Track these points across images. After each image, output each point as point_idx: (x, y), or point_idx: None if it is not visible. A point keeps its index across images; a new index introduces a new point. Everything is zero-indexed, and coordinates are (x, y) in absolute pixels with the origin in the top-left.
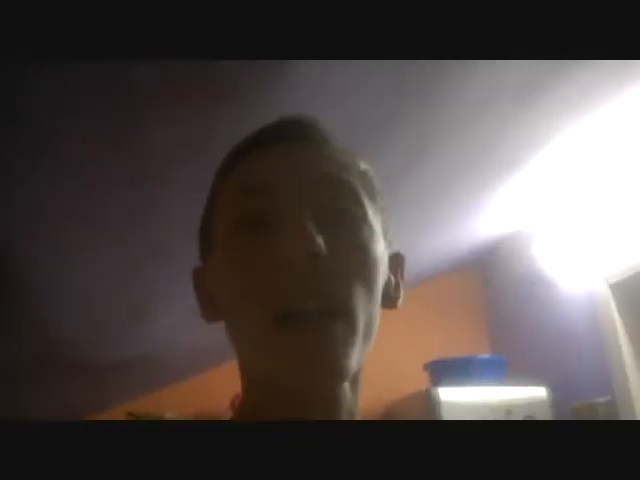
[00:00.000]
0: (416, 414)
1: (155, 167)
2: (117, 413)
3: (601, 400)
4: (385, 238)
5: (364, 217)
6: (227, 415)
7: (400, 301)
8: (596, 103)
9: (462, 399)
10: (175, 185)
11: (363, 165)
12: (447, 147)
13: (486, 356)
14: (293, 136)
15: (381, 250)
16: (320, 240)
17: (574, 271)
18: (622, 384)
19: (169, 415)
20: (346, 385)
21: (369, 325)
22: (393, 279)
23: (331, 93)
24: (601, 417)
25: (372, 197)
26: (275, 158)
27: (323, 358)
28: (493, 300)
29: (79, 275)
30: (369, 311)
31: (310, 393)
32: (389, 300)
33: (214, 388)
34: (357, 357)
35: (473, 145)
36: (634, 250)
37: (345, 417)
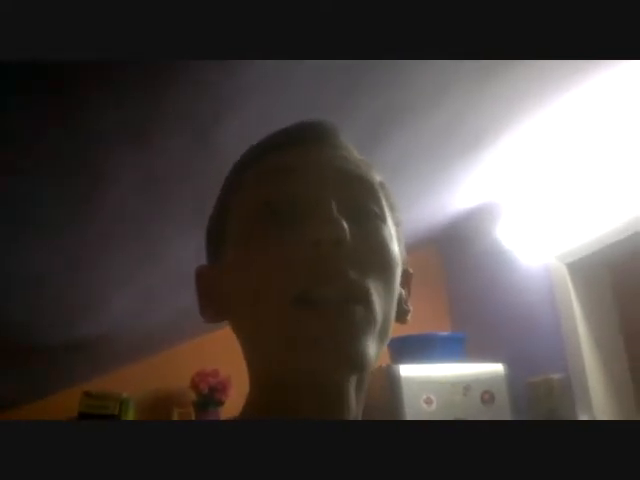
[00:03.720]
0: (377, 390)
1: (103, 152)
2: (75, 394)
3: (556, 376)
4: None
5: (385, 220)
6: (187, 394)
7: (409, 316)
8: (564, 85)
9: (422, 375)
10: (123, 169)
11: (379, 177)
12: (409, 123)
13: (446, 333)
14: (316, 138)
15: (398, 255)
16: (346, 226)
17: (533, 249)
18: (577, 361)
19: (126, 395)
20: (352, 386)
21: (386, 322)
22: (404, 293)
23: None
24: (556, 393)
25: (391, 208)
26: (302, 153)
27: (341, 342)
28: (454, 277)
29: (32, 257)
30: (386, 309)
31: (323, 379)
32: (401, 314)
33: (173, 367)
34: (373, 350)
35: (435, 122)
36: (591, 230)
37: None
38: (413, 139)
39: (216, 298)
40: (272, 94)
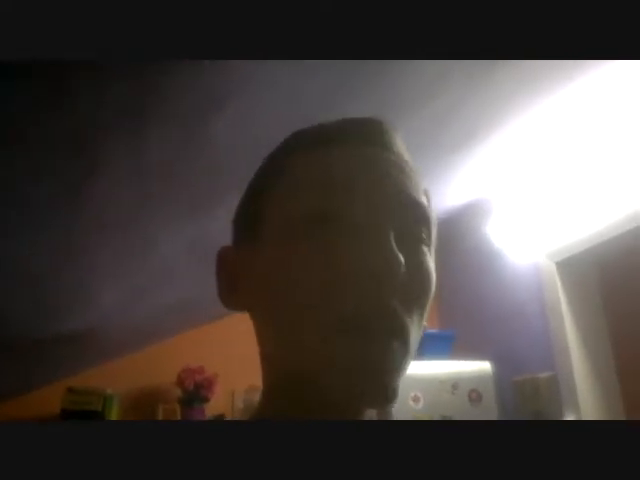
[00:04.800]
0: None
1: (92, 144)
2: (59, 389)
3: (543, 375)
4: None
5: (430, 247)
6: (172, 391)
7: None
8: (555, 84)
9: (411, 372)
10: (116, 161)
11: (422, 182)
12: (400, 122)
13: (435, 331)
14: (371, 140)
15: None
16: (402, 260)
17: (523, 247)
18: (564, 360)
19: (110, 391)
20: (374, 412)
21: (414, 353)
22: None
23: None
24: (543, 392)
25: (434, 224)
26: (357, 161)
27: (378, 375)
28: (445, 273)
29: (16, 249)
30: (417, 341)
31: (350, 405)
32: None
33: (159, 363)
34: (397, 385)
35: (427, 120)
36: (580, 228)
37: None
38: (404, 137)
39: (245, 286)
40: (260, 92)
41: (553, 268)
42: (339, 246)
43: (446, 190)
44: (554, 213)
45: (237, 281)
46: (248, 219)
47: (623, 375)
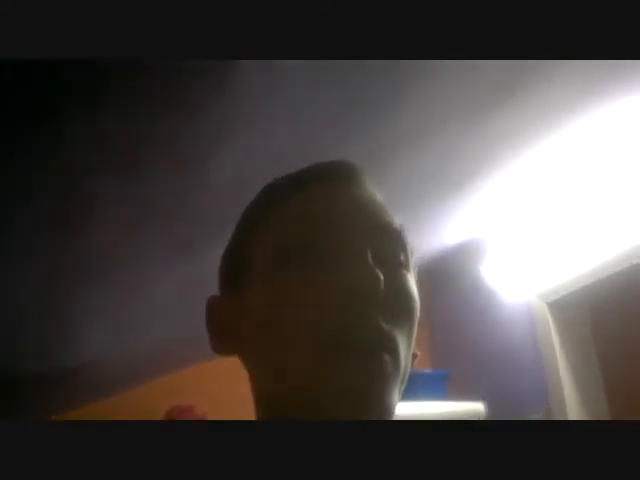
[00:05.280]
0: None
1: (84, 179)
2: None
3: (537, 417)
4: None
5: (409, 268)
6: None
7: (416, 361)
8: (546, 127)
9: (403, 414)
10: (108, 198)
11: (398, 220)
12: (401, 157)
13: (429, 371)
14: (342, 179)
15: (419, 304)
16: (382, 277)
17: (515, 287)
18: (558, 402)
19: None
20: None
21: (406, 370)
22: None
23: (282, 104)
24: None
25: (411, 253)
26: (332, 195)
27: (373, 391)
28: (439, 311)
29: (2, 284)
30: (407, 358)
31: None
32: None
33: (149, 402)
34: (397, 399)
35: (424, 161)
36: (571, 269)
37: None
38: (404, 176)
39: (230, 329)
40: (259, 127)
41: (545, 308)
42: (320, 272)
43: (442, 228)
44: (546, 253)
45: (225, 327)
46: (231, 267)
47: (615, 417)
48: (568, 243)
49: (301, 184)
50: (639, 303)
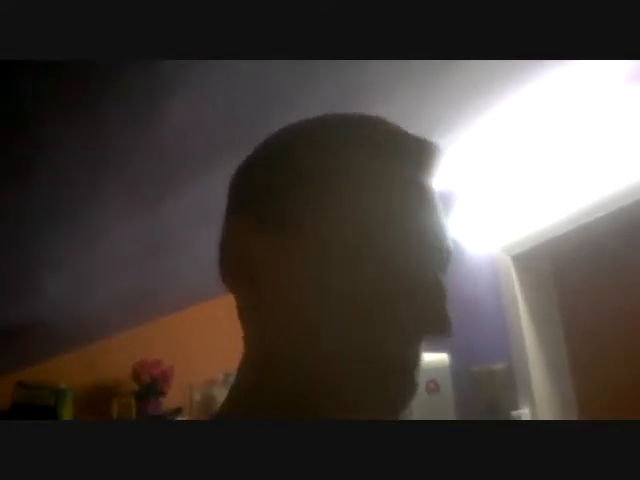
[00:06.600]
0: None
1: (44, 120)
2: (7, 382)
3: (499, 366)
4: None
5: None
6: (127, 384)
7: None
8: (511, 83)
9: None
10: (66, 145)
11: None
12: (368, 108)
13: None
14: (427, 167)
15: None
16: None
17: (480, 240)
18: (519, 352)
19: (63, 385)
20: None
21: None
22: None
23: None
24: (498, 383)
25: None
26: (413, 195)
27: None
28: None
29: None
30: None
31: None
32: None
33: (113, 357)
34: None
35: (391, 114)
36: (534, 222)
37: None
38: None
39: (251, 264)
40: (214, 79)
41: (509, 260)
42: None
43: None
44: (510, 207)
45: (255, 264)
46: (275, 211)
47: (575, 366)
48: (532, 197)
49: (379, 147)
50: (600, 256)
